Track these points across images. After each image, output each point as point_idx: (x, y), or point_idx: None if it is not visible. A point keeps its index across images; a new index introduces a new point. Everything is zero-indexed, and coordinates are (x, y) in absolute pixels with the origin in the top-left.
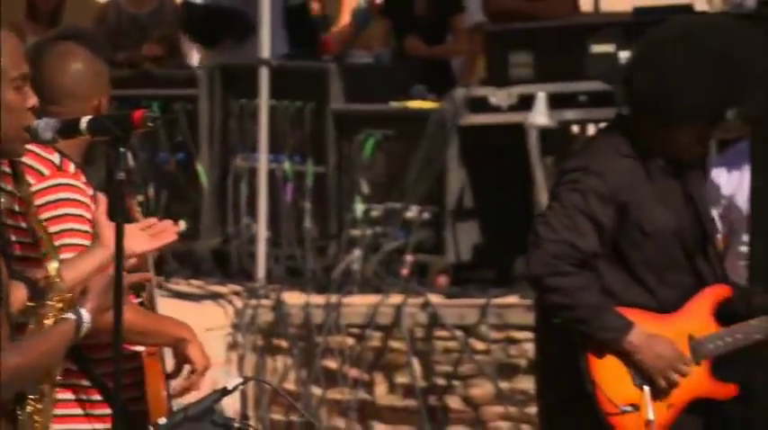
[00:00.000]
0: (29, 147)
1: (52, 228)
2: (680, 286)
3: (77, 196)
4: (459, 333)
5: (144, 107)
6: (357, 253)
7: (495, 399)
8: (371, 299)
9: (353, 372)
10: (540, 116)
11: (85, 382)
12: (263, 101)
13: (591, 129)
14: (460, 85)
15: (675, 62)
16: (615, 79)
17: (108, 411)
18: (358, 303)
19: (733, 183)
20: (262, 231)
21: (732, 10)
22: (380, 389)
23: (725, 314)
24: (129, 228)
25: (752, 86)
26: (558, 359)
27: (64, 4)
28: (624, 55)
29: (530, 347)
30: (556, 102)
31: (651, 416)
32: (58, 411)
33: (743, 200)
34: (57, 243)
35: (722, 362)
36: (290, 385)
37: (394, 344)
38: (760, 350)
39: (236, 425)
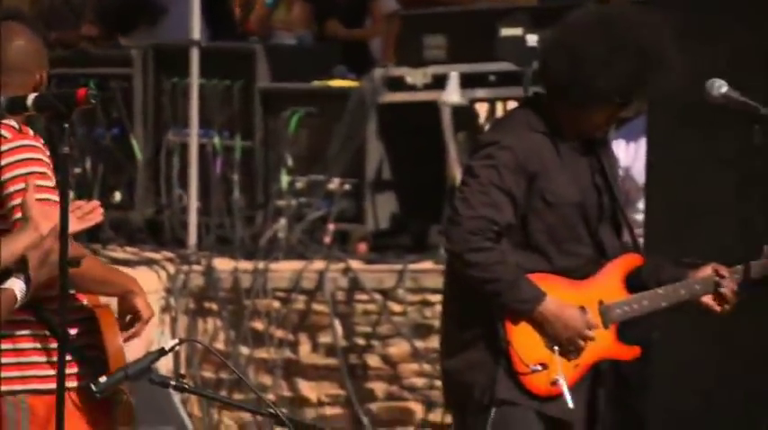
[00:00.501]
0: None
1: (19, 186)
2: (578, 256)
3: (39, 155)
4: (377, 296)
5: (82, 85)
6: (282, 222)
7: (411, 357)
8: (296, 264)
9: (279, 333)
10: (452, 94)
11: (46, 332)
12: (194, 79)
13: (499, 107)
14: (379, 66)
15: (590, 48)
16: (523, 61)
17: (68, 357)
18: (283, 269)
19: (630, 155)
20: (193, 202)
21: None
22: (304, 348)
23: (634, 282)
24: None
25: (660, 71)
26: (466, 323)
27: None
28: (532, 38)
29: None
30: (467, 81)
31: (558, 376)
32: (23, 359)
33: (638, 171)
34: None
35: (627, 326)
36: (219, 345)
37: (317, 306)
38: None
39: (173, 382)
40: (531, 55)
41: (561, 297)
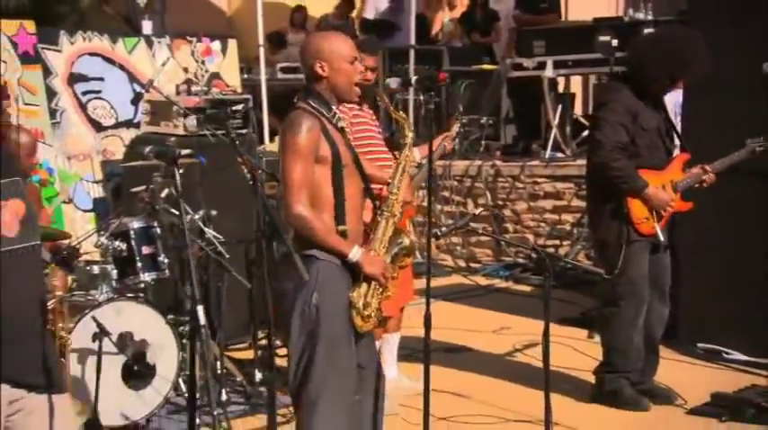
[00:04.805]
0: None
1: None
2: (659, 158)
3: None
4: (509, 178)
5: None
6: (457, 140)
7: (527, 211)
8: (465, 162)
9: (457, 198)
10: (548, 72)
11: None
12: (411, 65)
13: (572, 80)
14: (507, 57)
15: (648, 53)
16: (609, 53)
17: None
18: (458, 164)
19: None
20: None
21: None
22: (470, 206)
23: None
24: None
25: (688, 67)
26: (603, 204)
27: (306, 17)
28: (614, 41)
29: (546, 186)
30: (556, 65)
31: (655, 224)
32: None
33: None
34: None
35: (684, 193)
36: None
37: (477, 184)
38: None
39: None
40: (614, 50)
41: (652, 181)
